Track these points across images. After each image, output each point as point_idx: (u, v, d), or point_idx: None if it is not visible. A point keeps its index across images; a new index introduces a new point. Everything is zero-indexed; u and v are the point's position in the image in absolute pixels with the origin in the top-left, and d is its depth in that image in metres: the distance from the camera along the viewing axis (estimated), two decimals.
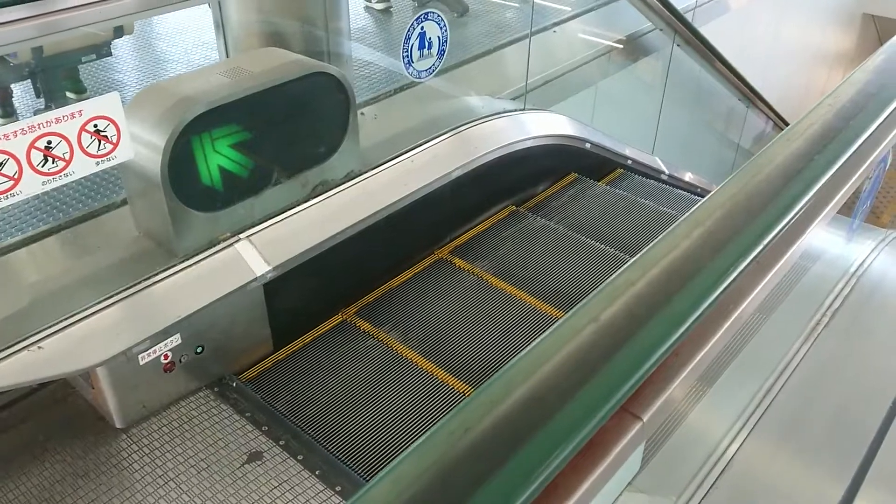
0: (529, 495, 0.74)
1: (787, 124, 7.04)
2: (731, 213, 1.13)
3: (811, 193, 1.22)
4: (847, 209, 2.47)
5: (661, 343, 0.90)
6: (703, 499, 1.93)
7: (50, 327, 2.23)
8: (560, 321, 0.94)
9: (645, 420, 0.90)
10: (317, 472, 2.36)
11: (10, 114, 4.13)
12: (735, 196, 1.21)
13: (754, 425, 2.16)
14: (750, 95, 6.35)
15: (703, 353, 1.01)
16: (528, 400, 0.82)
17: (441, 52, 3.32)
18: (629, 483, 1.60)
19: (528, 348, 0.91)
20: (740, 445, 2.09)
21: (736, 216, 1.13)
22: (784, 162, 1.33)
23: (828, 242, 3.00)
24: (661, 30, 5.40)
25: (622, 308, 0.93)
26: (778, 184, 1.24)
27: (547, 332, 0.92)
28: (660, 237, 1.08)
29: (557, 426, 0.79)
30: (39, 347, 2.18)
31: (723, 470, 2.01)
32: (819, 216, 1.29)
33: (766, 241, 1.09)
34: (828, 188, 1.28)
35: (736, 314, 1.08)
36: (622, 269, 1.02)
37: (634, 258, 1.04)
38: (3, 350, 2.14)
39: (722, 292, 1.00)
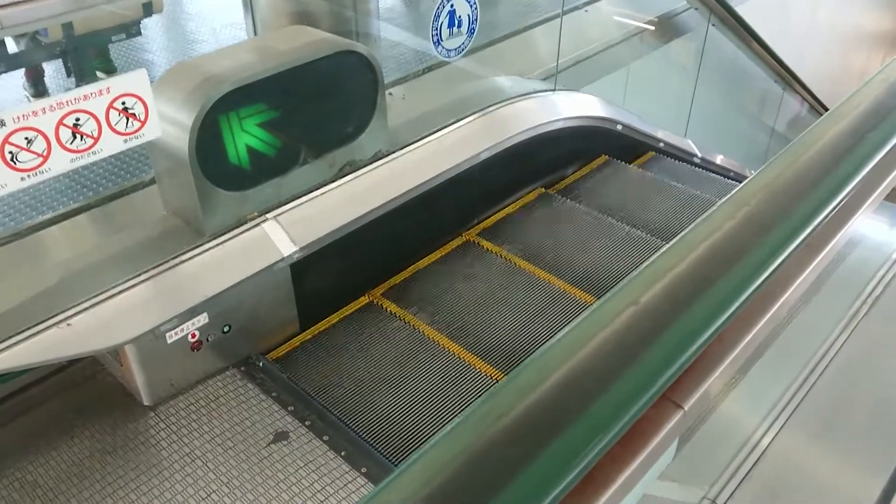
0: (565, 487, 0.70)
1: (824, 107, 6.87)
2: (780, 192, 1.07)
3: (865, 171, 1.15)
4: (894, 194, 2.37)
5: (706, 328, 0.85)
6: (735, 489, 1.88)
7: (79, 305, 2.23)
8: (598, 303, 0.89)
9: (686, 409, 0.86)
10: (342, 453, 2.35)
11: (42, 93, 4.16)
12: (782, 175, 1.15)
13: (790, 415, 2.10)
14: (787, 77, 6.18)
15: (748, 339, 0.96)
16: (565, 386, 0.78)
17: (471, 31, 3.25)
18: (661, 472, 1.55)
19: (564, 331, 0.86)
20: (775, 436, 2.03)
21: (784, 195, 1.07)
22: (833, 139, 1.26)
23: (869, 228, 2.90)
24: (695, 9, 5.26)
25: (664, 291, 0.88)
26: (829, 162, 1.17)
27: (584, 315, 0.88)
28: (703, 216, 1.02)
29: (596, 414, 0.75)
30: (68, 324, 2.19)
31: (756, 460, 1.95)
32: (874, 194, 1.22)
33: (816, 222, 1.04)
34: (882, 166, 1.21)
35: (783, 299, 1.02)
36: (663, 249, 0.97)
37: (677, 238, 0.99)
38: (32, 327, 2.16)
39: (769, 276, 0.95)
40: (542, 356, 0.84)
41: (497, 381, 2.70)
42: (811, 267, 1.08)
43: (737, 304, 0.89)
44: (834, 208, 1.04)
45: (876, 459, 2.03)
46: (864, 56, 10.79)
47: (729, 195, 1.12)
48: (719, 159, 4.98)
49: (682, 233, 0.98)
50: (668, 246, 0.97)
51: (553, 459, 0.72)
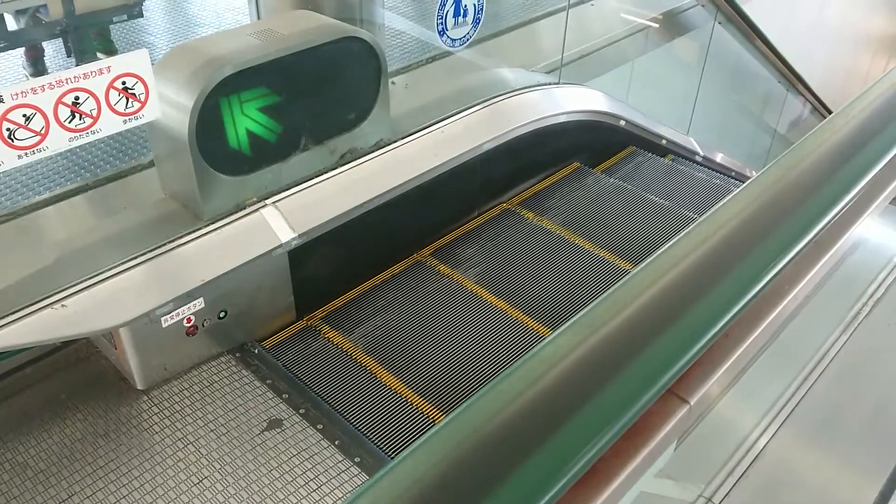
0: (568, 481, 0.68)
1: (827, 110, 6.81)
2: (789, 189, 1.06)
3: (873, 173, 1.13)
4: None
5: (715, 322, 0.83)
6: (732, 488, 1.87)
7: (74, 286, 2.21)
8: (603, 297, 0.87)
9: (692, 404, 0.84)
10: (336, 443, 2.33)
11: (41, 72, 4.11)
12: (791, 173, 1.13)
13: (787, 416, 2.09)
14: (791, 78, 6.16)
15: (754, 336, 0.94)
16: (571, 378, 0.76)
17: (476, 21, 3.22)
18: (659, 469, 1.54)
19: (570, 323, 0.84)
20: (773, 436, 2.02)
21: (794, 193, 1.05)
22: (841, 141, 1.24)
23: (870, 230, 2.88)
24: (702, 6, 5.24)
25: (672, 284, 0.87)
26: (837, 162, 1.15)
27: (590, 308, 0.86)
28: (711, 210, 1.00)
29: (600, 407, 0.73)
30: (63, 306, 2.17)
31: (754, 460, 1.94)
32: (883, 194, 1.20)
33: (825, 222, 1.02)
34: (890, 169, 1.19)
35: (790, 297, 1.01)
36: (672, 242, 0.95)
37: (686, 231, 0.97)
38: (27, 307, 2.13)
39: (778, 273, 0.93)
40: (547, 346, 0.82)
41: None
42: (819, 265, 1.07)
43: (745, 301, 0.88)
44: (843, 208, 1.02)
45: (873, 461, 2.02)
46: (867, 60, 10.77)
47: (737, 191, 1.10)
48: (719, 157, 4.96)
49: (692, 226, 0.96)
50: (677, 239, 0.95)
51: (556, 452, 0.70)
